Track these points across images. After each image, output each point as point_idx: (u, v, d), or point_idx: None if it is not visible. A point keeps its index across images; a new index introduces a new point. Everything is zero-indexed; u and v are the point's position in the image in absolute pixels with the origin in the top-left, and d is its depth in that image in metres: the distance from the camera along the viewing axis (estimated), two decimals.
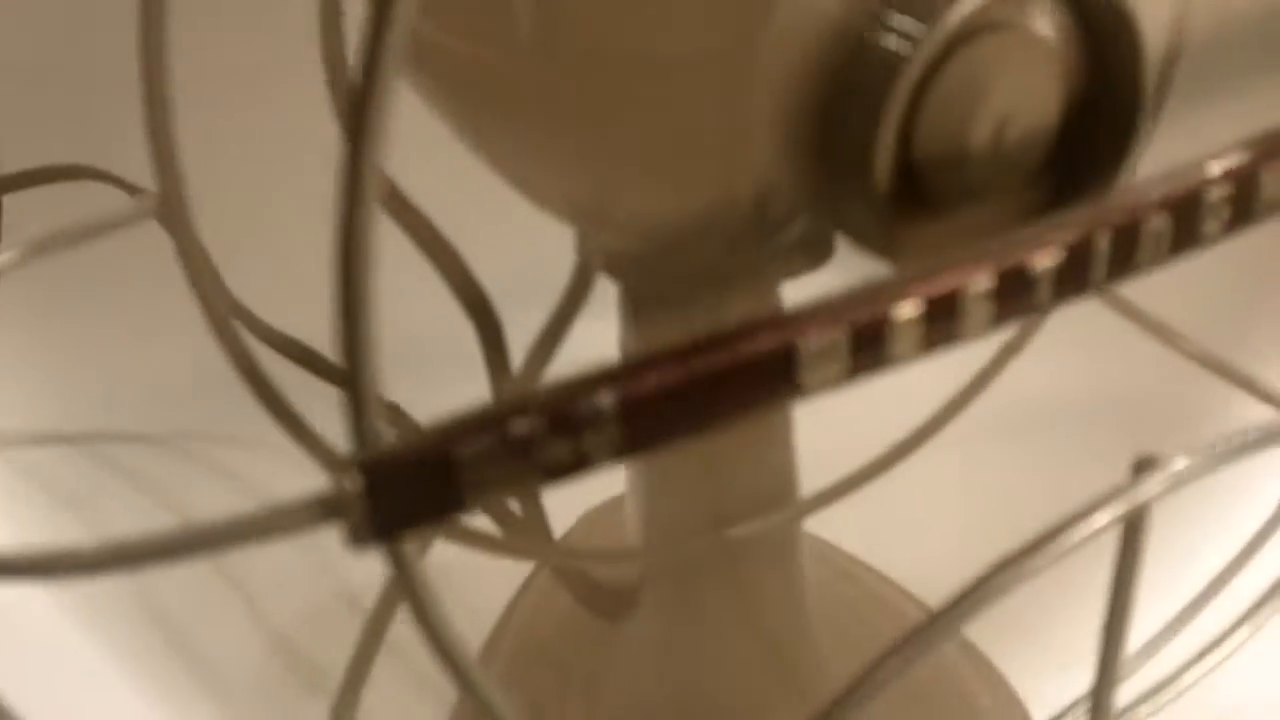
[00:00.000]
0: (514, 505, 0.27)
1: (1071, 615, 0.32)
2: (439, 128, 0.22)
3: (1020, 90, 0.17)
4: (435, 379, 0.24)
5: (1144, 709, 0.21)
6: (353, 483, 0.12)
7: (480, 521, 0.27)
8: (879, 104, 0.16)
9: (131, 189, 0.26)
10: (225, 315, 0.19)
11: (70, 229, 0.18)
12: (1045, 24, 0.18)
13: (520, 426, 0.12)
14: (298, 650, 0.39)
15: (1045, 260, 0.14)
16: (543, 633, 0.34)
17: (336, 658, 0.26)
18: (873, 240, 0.18)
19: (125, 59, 0.16)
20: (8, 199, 0.34)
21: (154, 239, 0.19)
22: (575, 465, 0.13)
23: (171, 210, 0.18)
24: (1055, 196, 0.19)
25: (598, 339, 0.24)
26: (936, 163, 0.17)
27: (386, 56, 0.11)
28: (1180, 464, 0.17)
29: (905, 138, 0.17)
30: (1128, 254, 0.15)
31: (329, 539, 0.13)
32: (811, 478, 0.30)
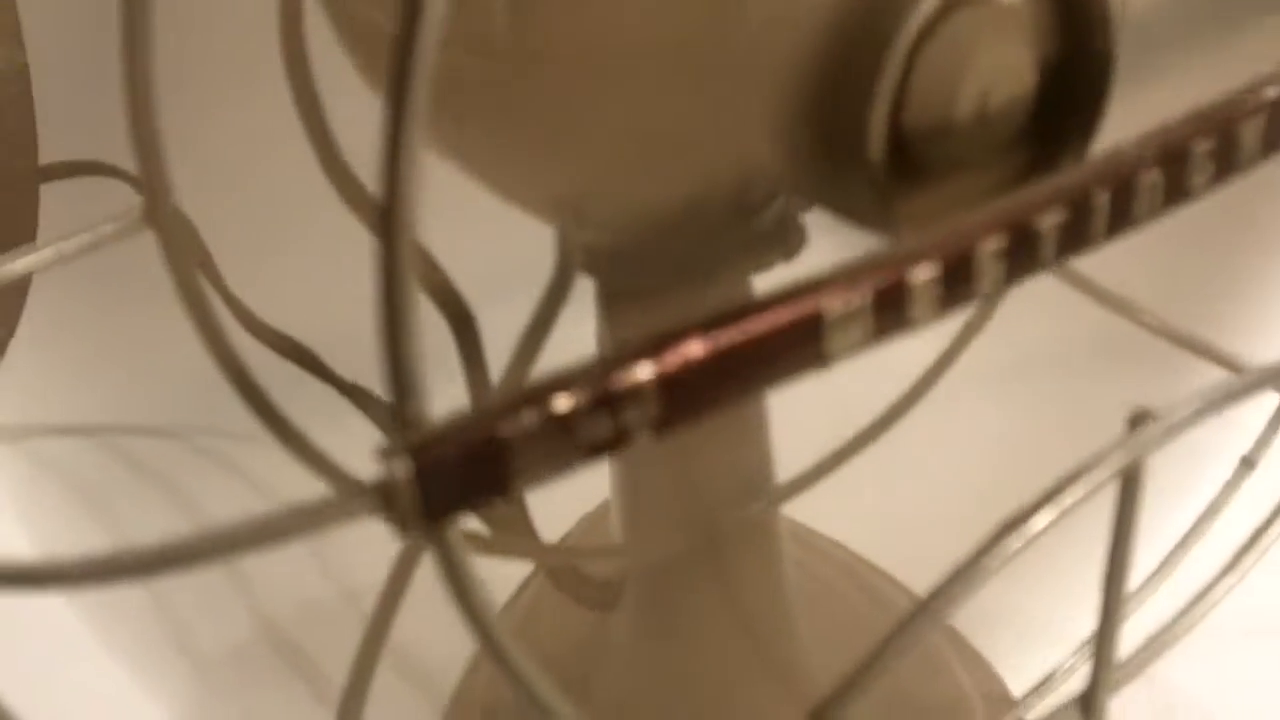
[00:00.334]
0: (501, 507, 0.27)
1: (1046, 588, 0.33)
2: None
3: (1000, 59, 0.18)
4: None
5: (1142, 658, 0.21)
6: (402, 469, 0.12)
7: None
8: (872, 76, 0.16)
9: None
10: (216, 328, 0.19)
11: (61, 244, 0.18)
12: None
13: (563, 403, 0.12)
14: (297, 647, 0.38)
15: (1051, 218, 0.15)
16: (536, 635, 0.34)
17: (336, 655, 0.26)
18: (866, 215, 0.18)
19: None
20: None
21: None
22: (615, 441, 0.13)
23: (161, 220, 0.18)
24: (1031, 164, 0.20)
25: (578, 343, 0.24)
26: (925, 135, 0.18)
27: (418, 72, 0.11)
28: (1174, 416, 0.17)
29: (895, 111, 0.17)
30: (1125, 208, 0.15)
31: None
32: (785, 463, 0.30)
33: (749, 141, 0.19)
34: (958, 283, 0.14)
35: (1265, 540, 0.23)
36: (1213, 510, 0.32)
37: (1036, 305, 0.31)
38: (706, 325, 0.13)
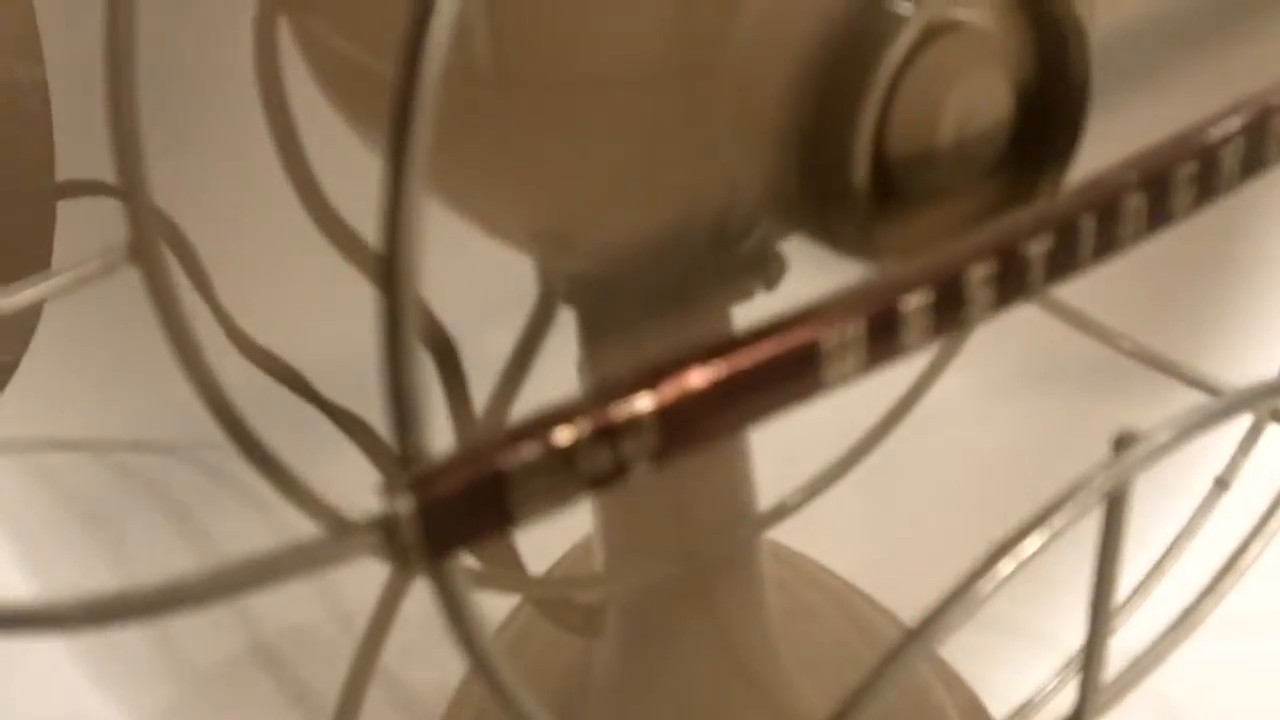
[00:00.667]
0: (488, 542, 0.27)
1: (1034, 601, 0.33)
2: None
3: (978, 86, 0.18)
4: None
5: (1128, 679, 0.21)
6: (405, 505, 0.12)
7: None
8: (855, 105, 0.17)
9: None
10: (204, 366, 0.19)
11: (44, 284, 0.18)
12: (994, 20, 0.18)
13: (564, 436, 0.12)
14: (286, 666, 0.38)
15: (1038, 244, 0.15)
16: (525, 661, 0.34)
17: (328, 676, 0.26)
18: (850, 242, 0.18)
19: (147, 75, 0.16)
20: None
21: None
22: (616, 473, 0.13)
23: (146, 256, 0.18)
24: (1010, 190, 0.20)
25: (560, 374, 0.24)
26: (906, 162, 0.18)
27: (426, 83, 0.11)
28: (1160, 438, 0.17)
29: (876, 140, 0.17)
30: (1111, 232, 0.15)
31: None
32: (768, 487, 0.30)
33: (732, 170, 0.19)
34: (949, 309, 0.14)
35: (1243, 562, 0.23)
36: (1189, 531, 0.33)
37: (1017, 329, 0.31)
38: (705, 356, 0.13)
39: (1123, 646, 0.25)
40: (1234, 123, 0.16)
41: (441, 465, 0.12)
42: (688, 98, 0.19)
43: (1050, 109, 0.19)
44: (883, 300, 0.14)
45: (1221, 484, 0.33)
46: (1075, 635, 0.19)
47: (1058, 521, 0.17)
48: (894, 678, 0.16)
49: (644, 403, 0.13)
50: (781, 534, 0.33)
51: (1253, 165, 0.17)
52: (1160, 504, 0.34)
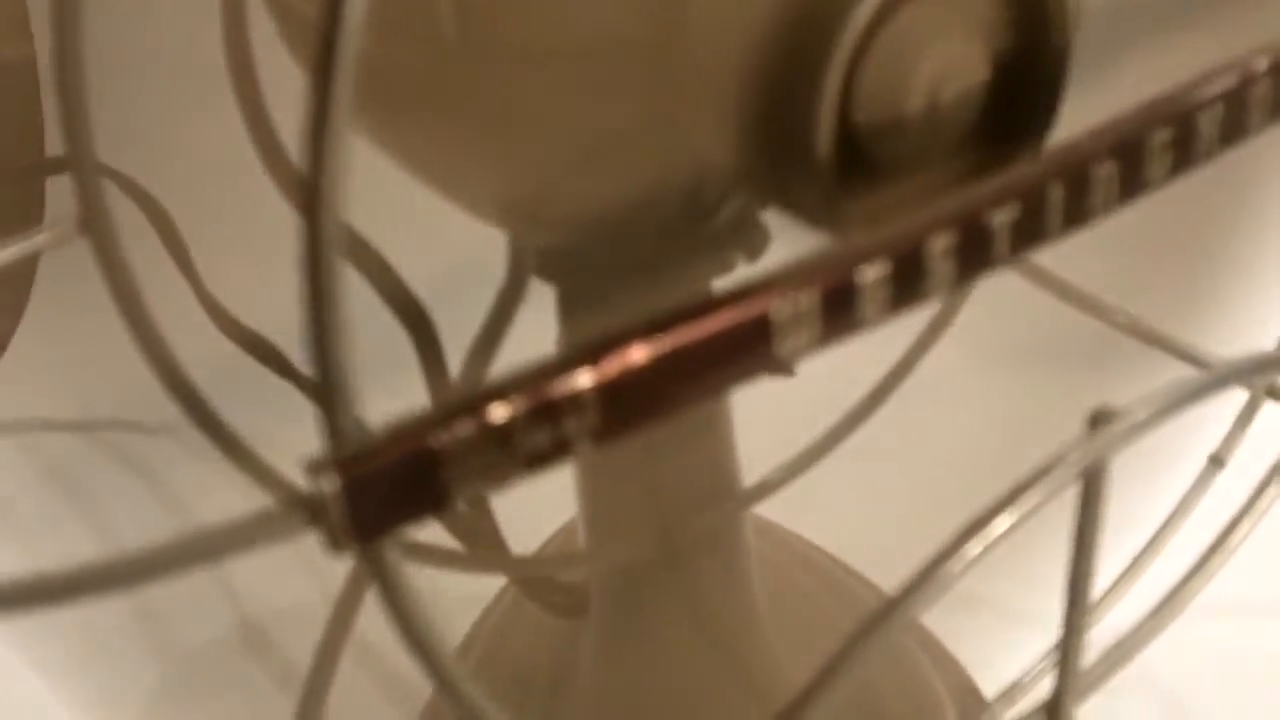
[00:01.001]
0: (470, 522, 0.27)
1: (1020, 575, 0.33)
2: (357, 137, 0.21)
3: (952, 52, 0.17)
4: (371, 389, 0.24)
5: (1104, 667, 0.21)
6: (329, 484, 0.12)
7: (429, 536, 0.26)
8: (818, 71, 0.16)
9: (126, 184, 0.25)
10: (158, 337, 0.18)
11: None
12: None
13: (499, 413, 0.12)
14: (273, 644, 0.38)
15: (1003, 214, 0.14)
16: (507, 650, 0.34)
17: (305, 651, 0.26)
18: (815, 213, 0.18)
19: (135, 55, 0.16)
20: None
21: None
22: (556, 452, 0.12)
23: (96, 229, 0.17)
24: (985, 160, 0.19)
25: (535, 342, 0.24)
26: (874, 131, 0.17)
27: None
28: (1136, 415, 0.17)
29: (843, 108, 0.17)
30: (1080, 202, 0.15)
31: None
32: (751, 463, 0.30)
33: (697, 139, 0.19)
34: (908, 282, 0.14)
35: (1232, 541, 0.23)
36: (1182, 510, 0.32)
37: (1005, 301, 0.30)
38: (648, 330, 0.12)
39: (1115, 626, 0.25)
40: (1213, 88, 0.16)
41: (371, 443, 0.12)
42: (649, 66, 0.18)
43: (1028, 78, 0.19)
44: (838, 271, 0.13)
45: (1217, 461, 0.32)
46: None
47: (1029, 500, 0.16)
48: (862, 656, 0.16)
49: (584, 379, 0.12)
50: (771, 510, 0.33)
51: (1233, 133, 0.16)
52: (1155, 481, 0.33)
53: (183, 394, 0.18)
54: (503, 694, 0.34)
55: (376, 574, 0.12)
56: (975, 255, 0.14)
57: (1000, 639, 0.35)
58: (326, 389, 0.12)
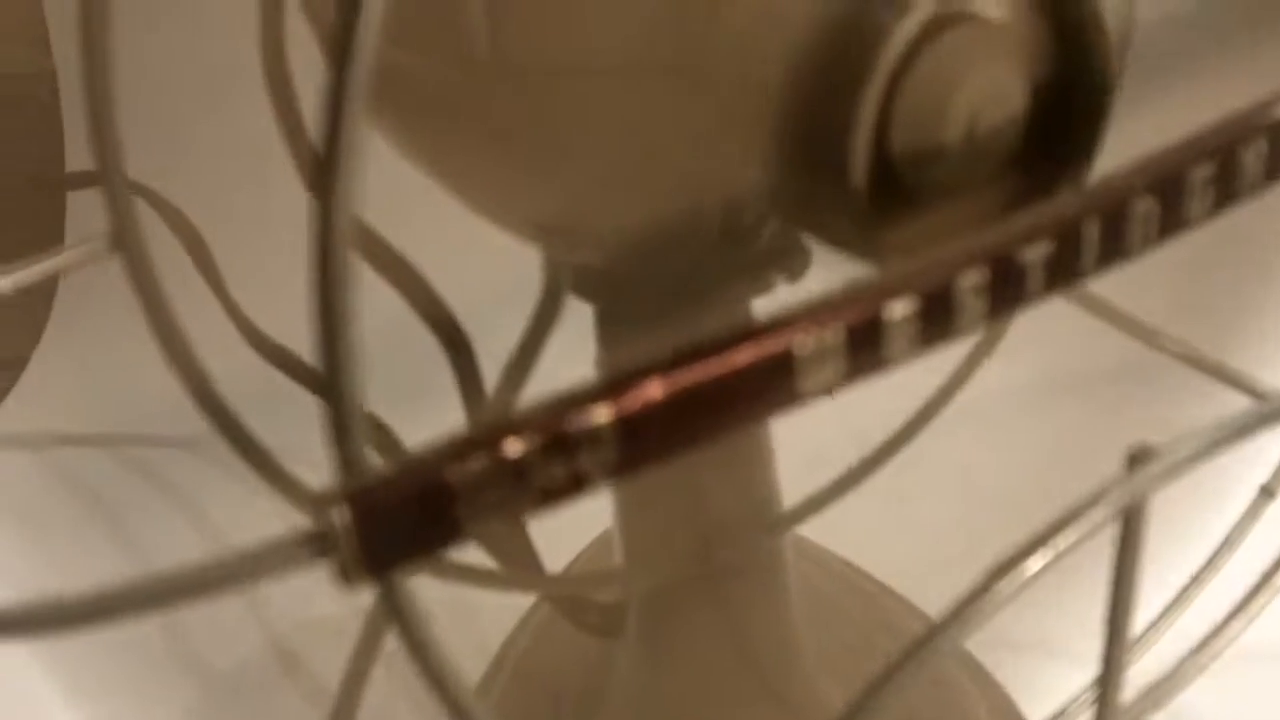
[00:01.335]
0: (504, 538, 0.27)
1: (1062, 611, 0.32)
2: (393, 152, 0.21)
3: (992, 80, 0.17)
4: (407, 409, 0.24)
5: (1146, 704, 0.20)
6: (340, 516, 0.11)
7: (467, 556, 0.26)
8: (855, 96, 0.16)
9: (150, 197, 0.25)
10: (189, 354, 0.18)
11: (20, 273, 0.17)
12: (1009, 12, 0.17)
13: (514, 448, 0.12)
14: (298, 658, 0.38)
15: (1036, 251, 0.14)
16: (540, 665, 0.34)
17: (337, 667, 0.26)
18: (851, 242, 0.17)
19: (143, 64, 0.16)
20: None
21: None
22: (572, 487, 0.12)
23: (129, 246, 0.17)
24: (1025, 189, 0.19)
25: (573, 361, 0.24)
26: (911, 160, 0.17)
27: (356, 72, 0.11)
28: (1177, 453, 0.17)
29: (880, 136, 0.17)
30: (1117, 239, 0.14)
31: None
32: (791, 485, 0.30)
33: (732, 162, 0.18)
34: (937, 319, 0.13)
35: (1278, 579, 0.22)
36: (1230, 542, 0.31)
37: (1052, 325, 0.30)
38: (667, 365, 0.12)
39: (1161, 658, 0.24)
40: (1256, 123, 0.15)
41: (383, 475, 0.12)
42: (682, 86, 0.18)
43: (1070, 106, 0.18)
44: (865, 307, 0.13)
45: (1268, 492, 0.32)
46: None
47: (1063, 541, 0.16)
48: (891, 694, 0.16)
49: (602, 414, 0.12)
50: (813, 531, 0.33)
51: (1278, 167, 0.16)
52: (1203, 510, 0.33)
53: (213, 409, 0.18)
54: (535, 709, 0.34)
55: (389, 606, 0.12)
56: (1007, 292, 0.14)
57: (1039, 673, 0.35)
58: (338, 421, 0.11)
